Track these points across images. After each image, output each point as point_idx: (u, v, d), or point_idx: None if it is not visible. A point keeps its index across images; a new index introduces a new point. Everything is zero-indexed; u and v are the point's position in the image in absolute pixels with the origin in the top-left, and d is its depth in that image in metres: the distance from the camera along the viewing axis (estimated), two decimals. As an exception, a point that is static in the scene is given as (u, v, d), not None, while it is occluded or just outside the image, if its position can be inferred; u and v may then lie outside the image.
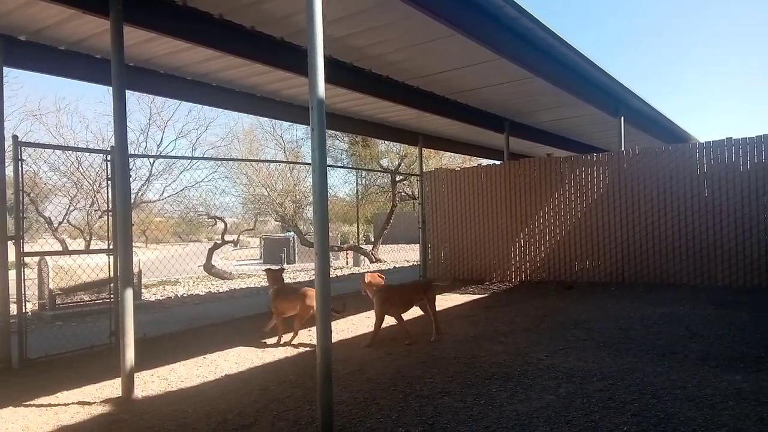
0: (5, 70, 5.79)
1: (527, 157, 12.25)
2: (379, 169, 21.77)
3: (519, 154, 15.08)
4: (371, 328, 6.21)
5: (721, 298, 8.20)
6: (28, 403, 4.42)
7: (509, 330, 6.52)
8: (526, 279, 11.33)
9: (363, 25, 6.21)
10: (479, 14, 6.36)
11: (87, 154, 14.63)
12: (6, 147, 5.78)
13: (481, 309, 8.22)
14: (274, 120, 19.94)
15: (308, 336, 6.65)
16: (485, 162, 17.03)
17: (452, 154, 21.11)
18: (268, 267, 7.51)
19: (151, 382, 4.91)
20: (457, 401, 4.03)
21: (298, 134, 23.59)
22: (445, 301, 9.12)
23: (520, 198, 11.40)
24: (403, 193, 22.70)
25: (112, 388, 4.73)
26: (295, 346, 6.16)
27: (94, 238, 15.47)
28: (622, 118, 10.86)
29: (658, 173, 9.84)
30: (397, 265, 17.91)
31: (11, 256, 5.65)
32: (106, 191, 6.36)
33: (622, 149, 10.50)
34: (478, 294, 9.92)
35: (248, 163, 19.27)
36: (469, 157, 20.45)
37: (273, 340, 6.43)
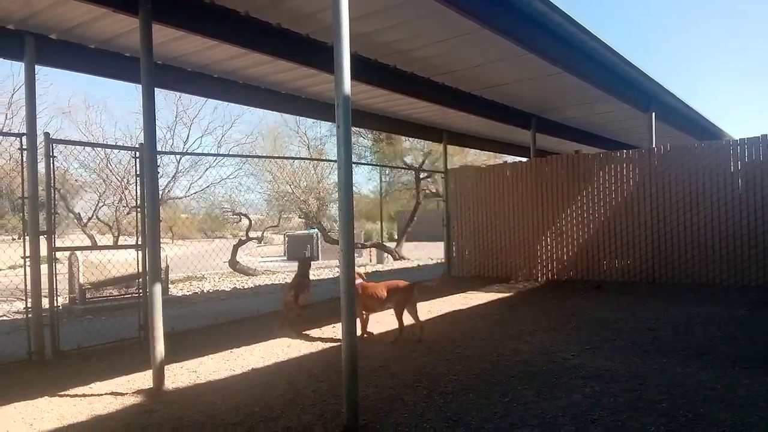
0: (36, 68, 5.93)
1: (554, 154, 12.10)
2: (403, 166, 21.75)
3: (546, 151, 14.90)
4: (394, 325, 6.18)
5: (755, 298, 7.98)
6: (62, 393, 4.52)
7: (535, 329, 6.44)
8: (553, 278, 11.20)
9: (389, 21, 6.19)
10: (508, 10, 6.28)
11: (115, 151, 14.93)
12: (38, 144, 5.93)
13: (506, 307, 8.15)
14: (298, 117, 20.08)
15: (332, 331, 6.69)
16: (511, 159, 16.88)
17: (477, 151, 20.98)
18: (299, 257, 8.10)
19: (181, 375, 4.99)
20: (481, 398, 4.00)
21: (322, 131, 23.79)
22: (469, 299, 9.08)
23: (547, 195, 11.27)
24: (427, 191, 22.64)
25: (143, 379, 4.82)
26: (321, 340, 6.20)
27: (121, 233, 15.82)
28: (653, 114, 10.63)
29: (691, 170, 9.61)
30: (420, 263, 17.87)
31: (43, 251, 5.79)
32: (134, 188, 6.49)
33: (653, 146, 10.29)
34: (503, 292, 9.83)
35: (272, 160, 19.46)
36: (494, 154, 20.30)
37: (299, 335, 6.50)
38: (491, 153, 20.07)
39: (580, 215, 10.89)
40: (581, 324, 6.66)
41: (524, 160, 12.97)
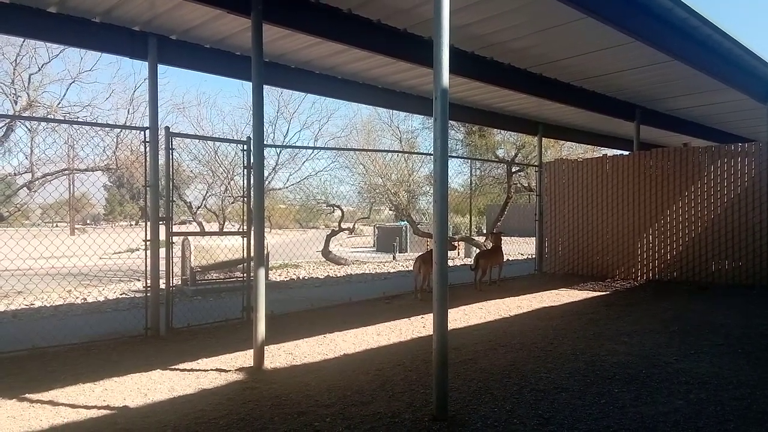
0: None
1: (659, 147, 11.40)
2: (495, 159, 21.35)
3: (650, 144, 14.04)
4: (484, 319, 6.24)
5: None
6: (173, 367, 4.95)
7: (633, 330, 6.16)
8: (654, 278, 10.59)
9: (488, 12, 6.11)
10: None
11: (222, 144, 15.87)
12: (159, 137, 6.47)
13: (602, 307, 7.83)
14: (391, 111, 20.29)
15: (421, 322, 6.78)
16: (610, 152, 16.08)
17: (573, 144, 20.16)
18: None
19: (278, 356, 5.30)
20: (575, 398, 3.92)
21: (414, 124, 23.83)
22: (561, 296, 8.82)
23: (651, 191, 10.64)
24: (518, 185, 22.06)
25: (245, 358, 5.17)
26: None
27: (225, 221, 16.86)
28: (773, 104, 9.70)
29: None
30: (510, 258, 17.50)
31: (160, 236, 6.32)
32: (240, 178, 6.92)
33: (773, 138, 9.42)
34: (599, 291, 9.44)
35: (365, 152, 19.80)
36: (592, 147, 19.39)
37: (388, 324, 6.64)
38: (588, 146, 19.17)
39: (687, 212, 10.20)
40: (686, 327, 6.28)
41: (624, 153, 12.33)
